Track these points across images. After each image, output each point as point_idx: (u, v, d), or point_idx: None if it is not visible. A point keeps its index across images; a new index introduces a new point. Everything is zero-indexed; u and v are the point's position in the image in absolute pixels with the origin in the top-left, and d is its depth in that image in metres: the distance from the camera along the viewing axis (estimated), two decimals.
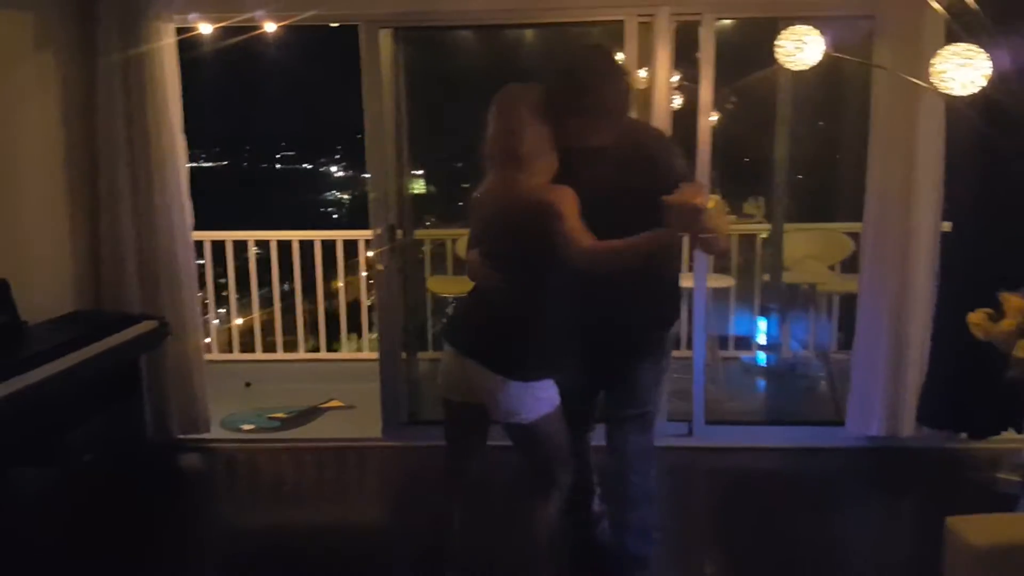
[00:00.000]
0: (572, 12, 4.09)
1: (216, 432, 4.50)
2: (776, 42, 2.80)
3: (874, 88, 3.89)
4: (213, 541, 3.53)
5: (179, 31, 4.09)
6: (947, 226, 3.97)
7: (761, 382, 5.33)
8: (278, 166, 25.04)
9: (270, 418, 4.82)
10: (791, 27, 2.77)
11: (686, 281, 4.34)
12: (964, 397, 3.86)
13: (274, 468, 4.30)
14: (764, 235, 5.28)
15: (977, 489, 3.54)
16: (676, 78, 4.76)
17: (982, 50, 2.39)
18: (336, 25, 4.25)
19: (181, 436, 4.30)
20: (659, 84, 4.06)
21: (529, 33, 4.81)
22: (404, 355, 4.47)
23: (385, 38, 4.16)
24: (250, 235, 5.67)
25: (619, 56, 3.99)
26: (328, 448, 4.40)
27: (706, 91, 4.09)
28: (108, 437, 3.83)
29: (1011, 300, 2.34)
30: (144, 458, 4.03)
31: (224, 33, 4.20)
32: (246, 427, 4.68)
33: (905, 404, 3.99)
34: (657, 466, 3.02)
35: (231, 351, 5.91)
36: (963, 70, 2.38)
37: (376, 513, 3.91)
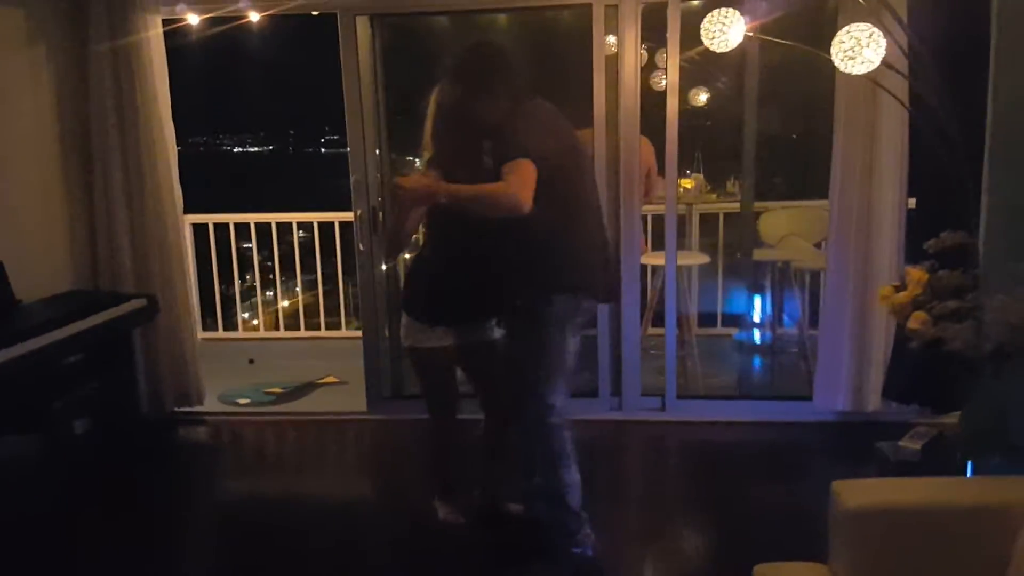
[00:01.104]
0: None
1: (212, 405, 4.73)
2: (702, 25, 2.87)
3: None
4: (197, 505, 3.75)
5: (166, 22, 4.28)
6: (913, 203, 4.02)
7: (739, 358, 5.41)
8: (323, 150, 25.56)
9: (266, 392, 5.03)
10: (715, 10, 2.85)
11: (655, 259, 4.47)
12: (928, 372, 3.90)
13: (260, 440, 4.52)
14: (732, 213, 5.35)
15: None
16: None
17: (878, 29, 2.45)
18: (316, 13, 4.40)
19: (175, 409, 4.53)
20: (626, 66, 4.14)
21: (502, 17, 4.91)
22: (387, 333, 4.62)
23: (362, 25, 4.30)
24: (293, 217, 5.79)
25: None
26: (314, 421, 4.61)
27: (672, 73, 4.16)
28: (102, 408, 4.06)
29: (912, 272, 2.41)
30: (137, 428, 4.25)
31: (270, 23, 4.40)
32: (242, 401, 4.89)
33: (870, 379, 4.06)
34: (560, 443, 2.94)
35: (278, 329, 6.16)
36: (867, 49, 2.45)
37: (352, 481, 4.08)
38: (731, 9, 2.84)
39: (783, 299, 5.25)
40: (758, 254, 5.12)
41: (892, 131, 3.86)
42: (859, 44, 2.45)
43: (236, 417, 4.67)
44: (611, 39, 4.20)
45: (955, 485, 2.13)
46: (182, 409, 4.56)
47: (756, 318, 5.54)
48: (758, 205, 5.16)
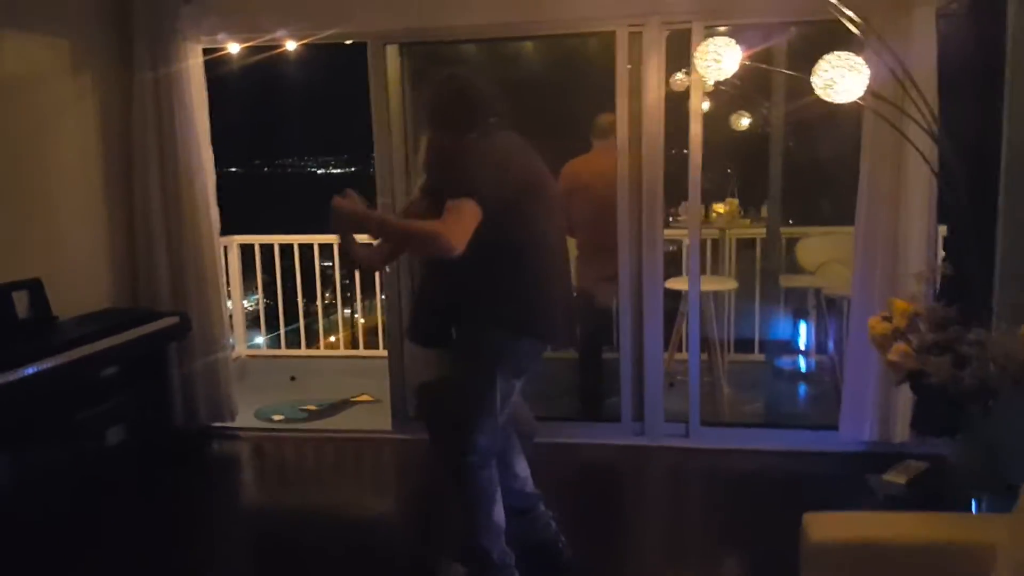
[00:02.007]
0: (566, 24, 4.24)
1: (248, 421, 4.88)
2: (694, 55, 2.86)
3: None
4: (219, 515, 3.89)
5: (206, 51, 4.48)
6: (945, 230, 3.90)
7: (771, 386, 5.31)
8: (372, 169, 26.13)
9: (301, 409, 5.16)
10: (709, 39, 2.83)
11: (680, 284, 4.44)
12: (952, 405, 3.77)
13: (285, 455, 4.64)
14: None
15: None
16: (712, 82, 4.85)
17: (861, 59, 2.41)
18: (350, 42, 4.53)
19: (210, 424, 4.68)
20: (650, 89, 4.14)
21: (528, 44, 4.98)
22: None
23: (392, 52, 4.41)
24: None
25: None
26: (340, 439, 4.70)
27: (696, 98, 4.15)
28: (136, 420, 4.23)
29: (897, 303, 2.35)
30: (171, 441, 4.40)
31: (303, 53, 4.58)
32: (276, 417, 5.02)
33: (897, 409, 3.94)
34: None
35: (357, 347, 6.31)
36: (847, 78, 2.41)
37: (367, 497, 4.16)
38: (726, 38, 2.82)
39: (820, 327, 5.13)
40: (785, 281, 5.03)
41: (919, 156, 3.76)
42: (839, 73, 2.41)
43: (268, 433, 4.80)
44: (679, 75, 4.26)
45: (926, 521, 2.06)
46: (216, 424, 4.70)
47: (797, 346, 5.44)
48: (790, 231, 5.08)
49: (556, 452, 4.15)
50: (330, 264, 6.15)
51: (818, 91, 2.52)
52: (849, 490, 3.63)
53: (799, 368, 5.40)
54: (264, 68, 4.75)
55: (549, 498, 3.19)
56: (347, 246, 2.84)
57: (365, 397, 5.35)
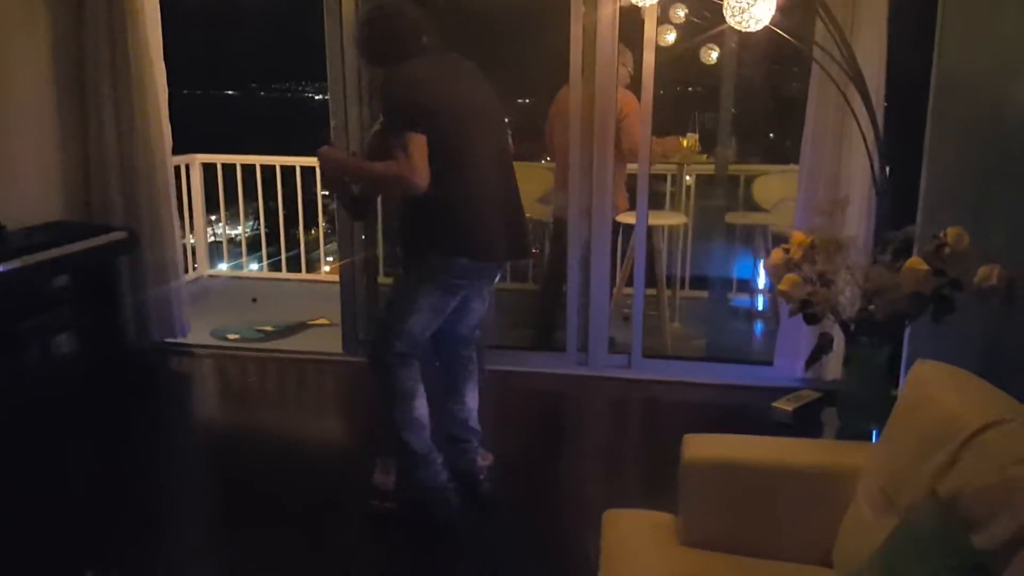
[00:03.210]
0: None
1: (202, 339, 4.95)
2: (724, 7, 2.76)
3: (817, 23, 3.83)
4: (165, 426, 3.99)
5: None
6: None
7: (721, 322, 5.37)
8: None
9: (257, 330, 5.22)
10: None
11: (628, 218, 4.46)
12: None
13: (230, 372, 4.72)
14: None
15: None
16: (682, 13, 4.79)
17: None
18: None
19: (161, 340, 4.75)
20: (602, 18, 4.10)
21: None
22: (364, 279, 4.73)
23: None
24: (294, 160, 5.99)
25: None
26: (291, 360, 4.77)
27: (650, 26, 4.11)
28: (86, 333, 4.31)
29: (795, 235, 2.38)
30: (122, 354, 4.48)
31: None
32: (231, 336, 5.09)
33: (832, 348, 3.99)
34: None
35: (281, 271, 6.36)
36: (758, 5, 2.39)
37: (310, 417, 4.26)
38: None
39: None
40: (731, 217, 5.05)
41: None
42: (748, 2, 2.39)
43: (219, 351, 4.86)
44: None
45: (796, 446, 2.13)
46: (168, 340, 4.77)
47: (756, 284, 5.48)
48: (747, 167, 5.07)
49: (501, 379, 4.23)
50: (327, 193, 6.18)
51: (729, 20, 2.50)
52: (761, 418, 3.72)
53: (752, 306, 5.46)
54: None
55: (488, 423, 3.28)
56: (344, 192, 3.04)
57: (322, 320, 5.41)
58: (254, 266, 6.96)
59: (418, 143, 2.61)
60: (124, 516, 3.11)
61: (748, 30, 2.51)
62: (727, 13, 2.49)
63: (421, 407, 2.97)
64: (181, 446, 3.81)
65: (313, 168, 5.95)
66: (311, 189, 6.16)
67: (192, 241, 5.96)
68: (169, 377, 4.63)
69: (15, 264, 3.65)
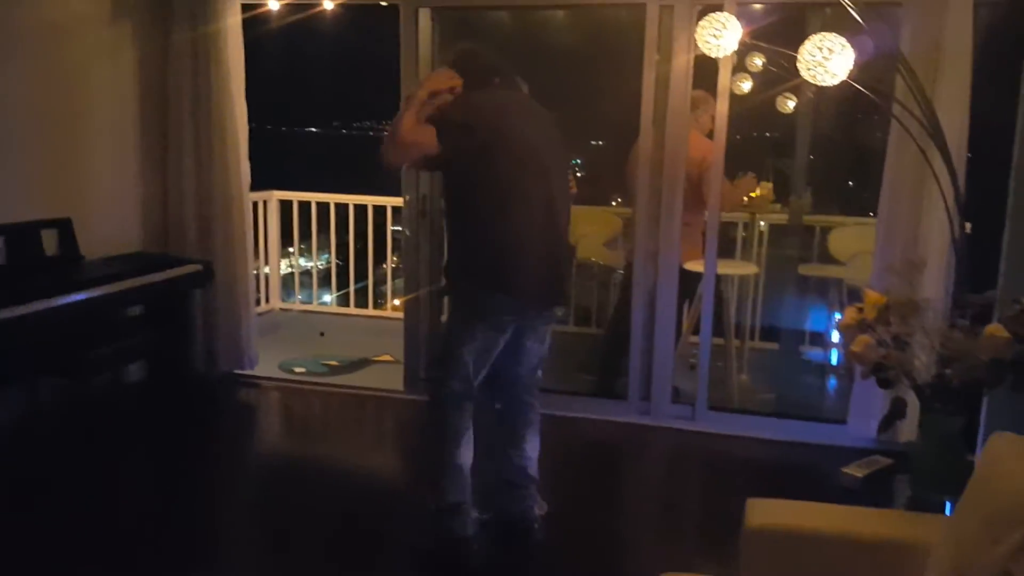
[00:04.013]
0: None
1: (270, 371, 5.02)
2: (697, 31, 2.80)
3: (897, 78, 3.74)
4: (227, 455, 4.03)
5: (244, 8, 4.57)
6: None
7: (792, 375, 5.21)
8: None
9: (323, 364, 5.29)
10: (709, 15, 2.77)
11: (697, 266, 4.38)
12: None
13: (297, 405, 4.77)
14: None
15: None
16: (759, 62, 4.75)
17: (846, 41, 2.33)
18: (385, 4, 4.57)
19: (229, 371, 4.84)
20: (676, 68, 4.08)
21: (559, 13, 4.93)
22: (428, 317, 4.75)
23: (424, 17, 4.43)
24: (366, 199, 6.06)
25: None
26: (353, 395, 4.80)
27: (724, 76, 4.06)
28: (157, 361, 4.41)
29: (870, 295, 2.28)
30: (190, 383, 4.58)
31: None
32: (297, 369, 5.16)
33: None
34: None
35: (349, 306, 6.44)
36: (833, 60, 2.33)
37: (373, 453, 4.28)
38: (727, 14, 2.76)
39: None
40: (805, 270, 4.92)
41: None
42: (825, 55, 2.33)
43: (285, 384, 4.93)
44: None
45: (866, 516, 2.02)
46: (236, 371, 4.86)
47: (830, 338, 5.33)
48: (823, 219, 4.95)
49: (559, 425, 4.18)
50: (399, 228, 6.28)
51: (804, 74, 2.45)
52: (829, 482, 3.56)
53: (827, 360, 5.29)
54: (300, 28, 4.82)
55: (545, 469, 3.23)
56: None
57: (386, 357, 5.45)
58: (327, 298, 7.08)
59: (428, 132, 2.69)
60: (179, 541, 3.14)
61: (824, 84, 2.46)
62: (802, 67, 2.44)
63: (465, 455, 2.96)
64: (240, 476, 3.85)
65: (383, 207, 6.04)
66: (383, 226, 6.25)
67: (267, 271, 6.09)
68: (234, 408, 4.69)
69: (92, 293, 3.76)
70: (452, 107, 2.83)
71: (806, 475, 3.81)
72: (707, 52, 2.80)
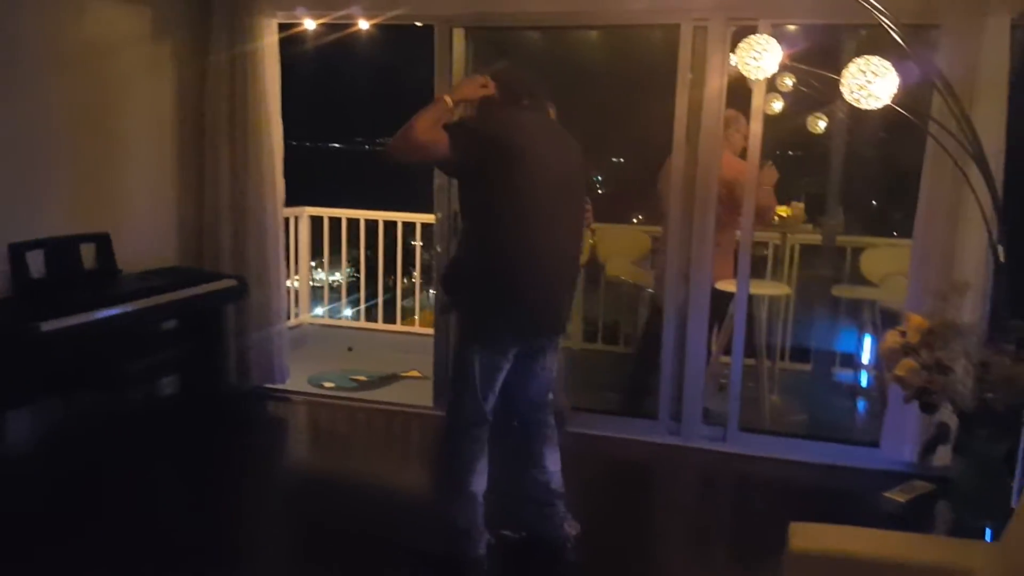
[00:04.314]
0: (631, 16, 4.21)
1: (299, 385, 5.05)
2: (736, 52, 2.81)
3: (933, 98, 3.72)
4: (257, 469, 4.07)
5: (281, 28, 4.64)
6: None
7: (823, 397, 5.17)
8: None
9: (351, 379, 5.31)
10: (750, 37, 2.78)
11: (729, 286, 4.36)
12: None
13: (326, 420, 4.80)
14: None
15: None
16: (790, 82, 4.74)
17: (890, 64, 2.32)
18: (420, 24, 4.62)
19: (260, 385, 4.87)
20: (710, 87, 4.09)
21: (593, 33, 4.96)
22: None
23: (458, 36, 4.47)
24: (395, 216, 6.08)
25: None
26: (383, 411, 4.82)
27: (758, 97, 4.06)
28: (190, 375, 4.45)
29: (912, 318, 2.26)
30: (222, 397, 4.62)
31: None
32: (327, 384, 5.18)
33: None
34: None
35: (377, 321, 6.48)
36: (877, 83, 2.32)
37: (401, 468, 4.29)
38: (767, 36, 2.77)
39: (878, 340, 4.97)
40: (838, 291, 4.89)
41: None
42: (868, 78, 2.33)
43: (315, 399, 4.95)
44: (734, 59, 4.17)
45: (909, 542, 2.01)
46: (267, 386, 4.89)
47: (860, 359, 5.29)
48: (854, 240, 4.93)
49: (588, 443, 4.18)
50: (420, 244, 6.34)
51: (847, 97, 2.45)
52: (866, 507, 3.54)
53: (855, 382, 5.25)
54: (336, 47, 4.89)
55: (573, 489, 3.22)
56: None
57: (414, 373, 5.46)
58: (347, 312, 7.12)
59: (442, 137, 2.69)
60: (207, 551, 3.18)
61: (868, 108, 2.45)
62: (845, 91, 2.44)
63: (479, 482, 2.97)
64: (270, 490, 3.87)
65: (412, 223, 6.07)
66: (409, 242, 6.30)
67: (296, 285, 6.13)
68: (265, 422, 4.73)
69: (128, 308, 3.80)
70: (473, 118, 2.86)
71: (841, 498, 3.77)
72: (747, 74, 2.81)
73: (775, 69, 2.79)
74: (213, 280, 4.38)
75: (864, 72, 2.35)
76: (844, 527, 2.08)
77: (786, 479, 4.01)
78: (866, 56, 2.40)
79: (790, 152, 5.81)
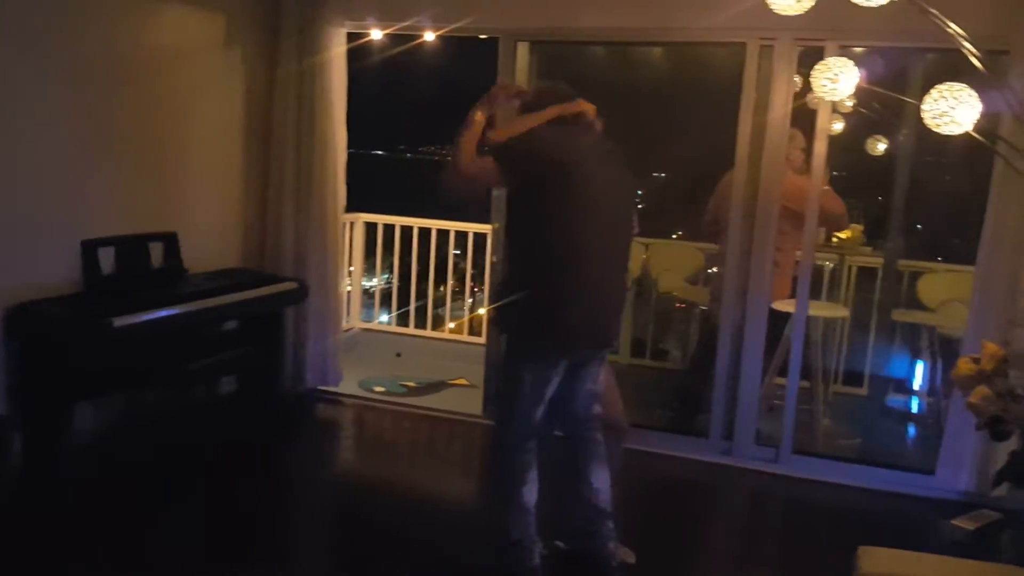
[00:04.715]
0: (696, 33, 4.23)
1: (351, 388, 5.12)
2: (812, 74, 2.81)
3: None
4: (309, 470, 4.14)
5: (348, 37, 4.72)
6: None
7: (876, 422, 5.11)
8: None
9: (401, 384, 5.37)
10: (827, 59, 2.78)
11: (786, 306, 4.34)
12: None
13: (380, 425, 4.85)
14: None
15: None
16: (850, 103, 4.73)
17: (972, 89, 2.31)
18: (484, 37, 4.67)
19: (314, 387, 4.94)
20: (776, 105, 4.08)
21: (656, 49, 4.98)
22: None
23: (523, 50, 4.52)
24: (446, 224, 6.15)
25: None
26: (434, 417, 4.86)
27: (823, 117, 4.05)
28: (248, 375, 4.54)
29: (987, 345, 2.24)
30: (278, 397, 4.70)
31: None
32: (378, 389, 5.24)
33: (998, 461, 3.73)
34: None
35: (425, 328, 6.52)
36: (959, 109, 2.31)
37: (450, 474, 4.32)
38: (844, 58, 2.77)
39: (933, 367, 4.91)
40: (898, 315, 4.84)
41: None
42: (949, 104, 2.32)
43: (366, 402, 5.02)
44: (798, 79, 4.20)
45: (978, 570, 1.99)
46: (321, 388, 4.96)
47: (911, 385, 5.24)
48: (913, 264, 4.88)
49: (636, 459, 4.16)
50: (459, 252, 6.39)
51: (928, 122, 2.44)
52: (924, 536, 3.49)
53: (909, 408, 5.19)
54: (401, 58, 4.98)
55: (622, 504, 3.22)
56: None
57: (461, 381, 5.51)
58: (383, 318, 7.19)
59: (488, 164, 2.76)
60: (257, 546, 3.26)
61: (947, 134, 2.44)
62: (926, 116, 2.43)
63: (529, 493, 2.98)
64: (317, 489, 3.94)
65: (464, 232, 6.13)
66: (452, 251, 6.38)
67: (349, 289, 6.21)
68: (318, 423, 4.80)
69: (195, 307, 3.89)
70: (517, 138, 2.86)
71: (900, 525, 3.73)
72: (822, 96, 2.81)
73: (851, 91, 2.79)
74: (275, 282, 4.46)
75: (946, 98, 2.34)
76: (914, 553, 2.07)
77: (840, 503, 3.98)
78: (948, 83, 2.39)
79: (844, 174, 5.78)
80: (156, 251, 4.11)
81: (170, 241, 4.17)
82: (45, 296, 3.59)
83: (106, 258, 3.86)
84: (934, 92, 2.41)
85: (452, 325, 6.93)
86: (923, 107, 2.43)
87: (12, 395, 3.51)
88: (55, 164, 3.67)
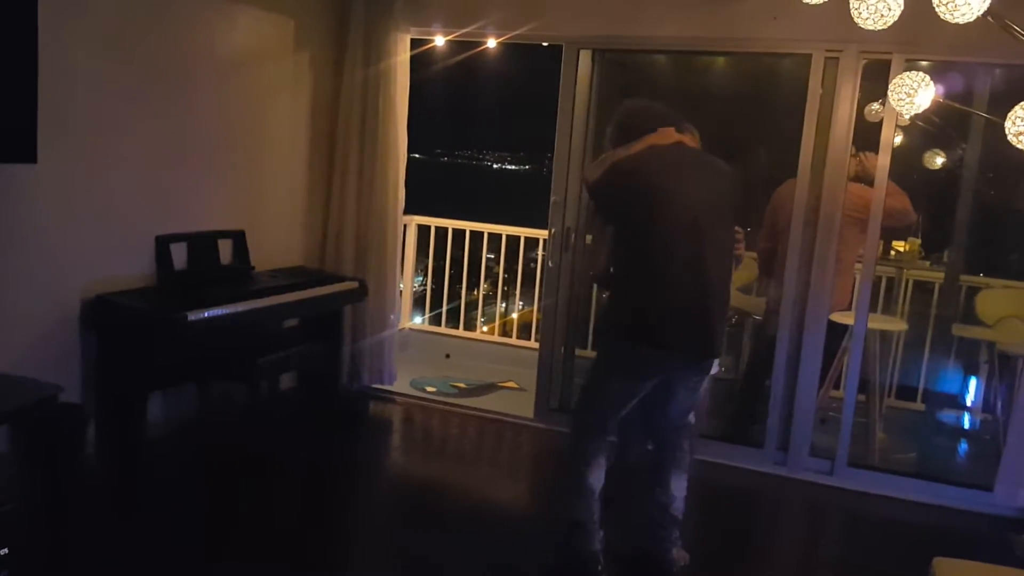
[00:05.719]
0: (762, 44, 4.24)
1: (403, 388, 5.20)
2: (889, 89, 2.83)
3: None
4: (364, 467, 4.19)
5: (413, 43, 4.80)
6: None
7: (932, 437, 5.08)
8: None
9: (452, 385, 5.43)
10: (905, 73, 2.79)
11: (845, 318, 4.34)
12: None
13: (433, 424, 4.90)
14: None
15: None
16: (908, 117, 4.72)
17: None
18: (546, 44, 4.73)
19: (370, 385, 5.02)
20: (840, 117, 4.09)
21: (720, 59, 4.98)
22: (563, 349, 4.84)
23: (585, 57, 4.56)
24: (500, 229, 6.26)
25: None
26: (485, 419, 4.92)
27: (888, 131, 4.04)
28: (307, 371, 4.62)
29: None
30: (335, 395, 4.78)
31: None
32: (429, 389, 5.31)
33: None
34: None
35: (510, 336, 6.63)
36: None
37: (500, 476, 4.37)
38: (922, 73, 2.78)
39: (990, 384, 4.87)
40: (958, 330, 4.80)
41: None
42: None
43: (420, 402, 5.09)
44: (875, 106, 4.23)
45: None
46: (376, 386, 5.04)
47: (964, 401, 5.20)
48: (971, 279, 4.85)
49: (693, 468, 4.18)
50: (492, 256, 6.44)
51: (1010, 137, 2.45)
52: (989, 551, 3.47)
53: (962, 424, 5.16)
54: (461, 64, 5.06)
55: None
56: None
57: (511, 384, 5.56)
58: (417, 319, 7.28)
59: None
60: (313, 542, 3.31)
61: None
62: (1010, 132, 2.44)
63: (596, 476, 3.04)
64: (371, 485, 4.01)
65: (516, 236, 6.18)
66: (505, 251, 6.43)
67: (400, 289, 6.28)
68: (373, 421, 4.87)
69: (263, 303, 3.97)
70: (599, 178, 2.93)
71: (962, 539, 3.73)
72: (900, 110, 2.82)
73: (927, 105, 2.80)
74: (337, 281, 4.54)
75: None
76: (991, 566, 2.08)
77: (898, 517, 3.97)
78: None
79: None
80: (225, 248, 4.21)
81: (238, 238, 4.26)
82: (120, 289, 3.69)
83: (178, 253, 3.96)
84: (1018, 109, 2.41)
85: (484, 329, 7.01)
86: (1006, 123, 2.43)
87: (88, 385, 3.61)
88: (134, 161, 3.77)
